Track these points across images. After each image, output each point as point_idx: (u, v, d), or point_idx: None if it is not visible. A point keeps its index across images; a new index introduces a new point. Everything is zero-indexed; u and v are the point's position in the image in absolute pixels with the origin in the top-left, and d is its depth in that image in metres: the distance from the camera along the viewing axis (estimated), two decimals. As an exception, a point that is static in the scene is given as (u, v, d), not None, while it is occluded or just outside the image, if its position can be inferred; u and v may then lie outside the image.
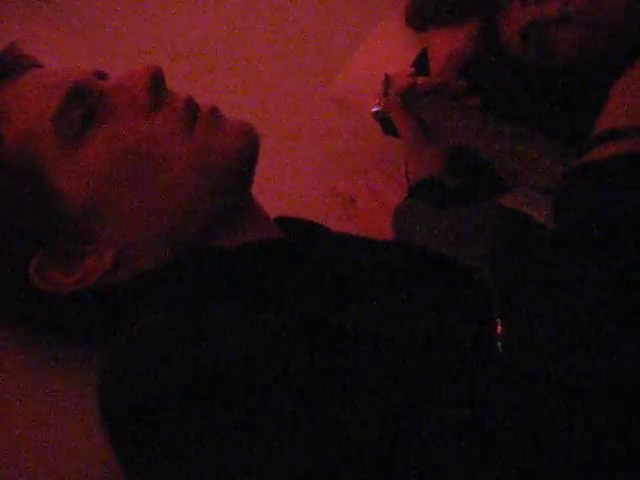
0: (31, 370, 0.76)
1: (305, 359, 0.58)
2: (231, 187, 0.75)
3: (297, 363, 0.57)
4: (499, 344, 0.63)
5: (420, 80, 1.20)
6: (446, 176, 1.15)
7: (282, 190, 1.39)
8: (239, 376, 0.57)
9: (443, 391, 0.57)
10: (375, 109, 1.25)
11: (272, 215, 0.85)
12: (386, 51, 1.46)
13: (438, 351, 0.63)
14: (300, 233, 0.85)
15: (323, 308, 0.68)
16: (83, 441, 0.71)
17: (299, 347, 0.59)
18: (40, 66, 0.78)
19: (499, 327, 0.64)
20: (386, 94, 1.19)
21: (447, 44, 1.26)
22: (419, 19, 1.35)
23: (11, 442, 0.71)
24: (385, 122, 1.27)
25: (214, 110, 0.75)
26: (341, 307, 0.68)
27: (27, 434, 0.72)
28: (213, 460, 0.56)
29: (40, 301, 0.72)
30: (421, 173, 1.17)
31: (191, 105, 0.74)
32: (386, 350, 0.61)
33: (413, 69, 1.23)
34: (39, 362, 0.76)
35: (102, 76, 0.76)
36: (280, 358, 0.58)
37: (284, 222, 0.86)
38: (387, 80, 1.16)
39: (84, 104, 0.71)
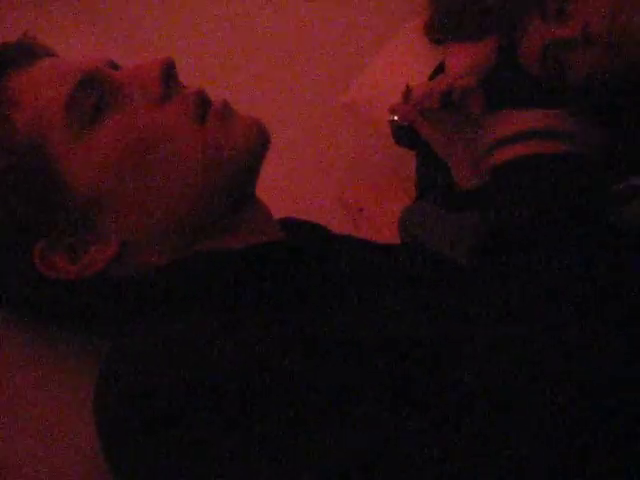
0: (33, 360, 0.76)
1: (299, 369, 0.58)
2: (238, 183, 0.74)
3: (292, 375, 0.58)
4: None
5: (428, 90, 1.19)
6: (475, 175, 1.13)
7: (290, 195, 1.39)
8: (234, 389, 0.57)
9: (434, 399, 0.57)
10: (392, 118, 1.24)
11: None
12: (402, 62, 1.46)
13: (436, 356, 0.62)
14: (304, 235, 0.85)
15: (321, 312, 0.68)
16: (82, 431, 0.71)
17: (294, 358, 0.59)
18: (54, 55, 0.78)
19: None
20: (405, 104, 1.18)
21: (465, 58, 1.26)
22: (439, 32, 1.35)
23: (14, 433, 0.71)
24: (399, 132, 1.27)
25: (226, 105, 0.74)
26: (340, 310, 0.68)
27: (29, 425, 0.72)
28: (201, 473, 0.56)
29: (44, 288, 0.72)
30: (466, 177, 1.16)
31: (203, 98, 0.73)
32: (384, 355, 0.61)
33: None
34: (40, 353, 0.76)
35: (114, 66, 0.76)
36: (275, 371, 0.58)
37: (289, 224, 0.85)
38: (408, 91, 1.15)
39: (95, 92, 0.70)
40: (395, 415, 0.55)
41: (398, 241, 1.10)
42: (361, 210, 1.30)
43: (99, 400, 0.66)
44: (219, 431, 0.56)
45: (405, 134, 1.26)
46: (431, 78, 1.30)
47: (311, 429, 0.55)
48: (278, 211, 0.84)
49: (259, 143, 0.75)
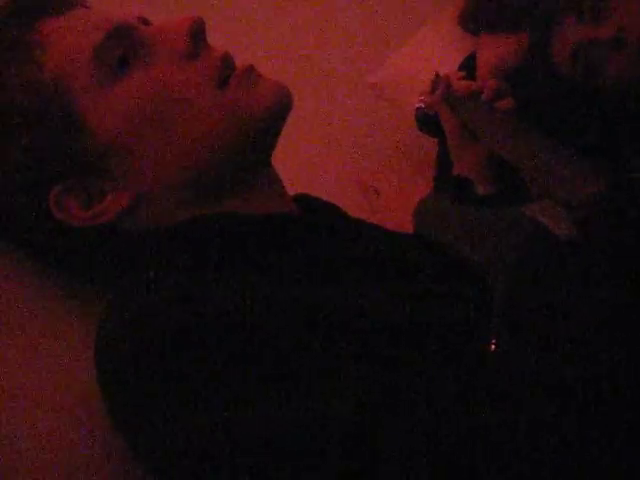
0: (33, 302, 0.76)
1: (288, 328, 0.60)
2: (255, 144, 0.75)
3: (280, 331, 0.60)
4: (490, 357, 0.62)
5: (462, 84, 1.18)
6: (481, 182, 1.14)
7: (306, 172, 1.39)
8: (224, 336, 0.59)
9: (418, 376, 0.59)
10: (419, 105, 1.24)
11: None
12: (433, 49, 1.45)
13: (426, 341, 0.63)
14: (318, 212, 0.85)
15: (321, 285, 0.69)
16: (79, 372, 0.72)
17: (285, 317, 0.61)
18: (87, 7, 0.79)
19: (492, 345, 0.63)
20: (434, 93, 1.17)
21: (497, 50, 1.25)
22: (473, 22, 1.34)
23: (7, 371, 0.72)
24: (424, 119, 1.26)
25: (251, 69, 0.75)
26: (339, 286, 0.69)
27: (24, 363, 0.73)
28: (192, 408, 0.58)
29: (54, 230, 0.73)
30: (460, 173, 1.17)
31: (228, 60, 0.75)
32: (371, 330, 0.62)
33: (464, 73, 1.21)
34: (42, 294, 0.77)
35: (145, 22, 0.77)
36: (264, 328, 0.60)
37: (304, 200, 0.86)
38: (437, 79, 1.14)
39: (124, 44, 0.72)
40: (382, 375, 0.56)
41: (412, 226, 1.10)
42: (377, 193, 1.29)
43: (103, 340, 0.67)
44: (216, 367, 0.58)
45: (429, 122, 1.25)
46: (461, 68, 1.29)
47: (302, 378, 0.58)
48: (293, 187, 0.85)
49: (280, 105, 0.75)
